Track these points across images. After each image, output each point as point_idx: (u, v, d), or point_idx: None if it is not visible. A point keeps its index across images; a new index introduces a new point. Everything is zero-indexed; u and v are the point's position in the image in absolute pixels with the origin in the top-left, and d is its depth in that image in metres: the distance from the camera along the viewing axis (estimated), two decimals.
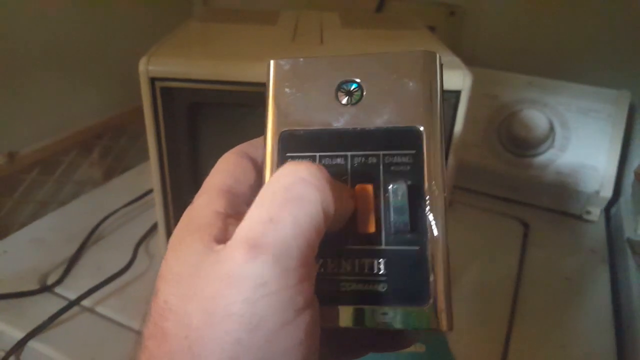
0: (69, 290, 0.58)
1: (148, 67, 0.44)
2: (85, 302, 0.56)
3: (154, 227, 0.68)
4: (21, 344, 0.51)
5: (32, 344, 0.51)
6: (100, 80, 0.94)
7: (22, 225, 0.74)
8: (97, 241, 0.67)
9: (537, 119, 0.82)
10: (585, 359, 0.54)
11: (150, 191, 0.74)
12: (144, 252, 0.65)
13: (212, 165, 0.25)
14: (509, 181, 0.84)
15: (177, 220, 0.49)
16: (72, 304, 0.55)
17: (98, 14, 0.92)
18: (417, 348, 0.53)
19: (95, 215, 0.70)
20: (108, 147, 0.97)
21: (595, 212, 0.81)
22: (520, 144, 0.83)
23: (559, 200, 0.83)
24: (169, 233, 0.51)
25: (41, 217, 0.72)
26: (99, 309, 0.56)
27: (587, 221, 0.81)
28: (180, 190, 0.49)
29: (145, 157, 0.88)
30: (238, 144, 0.25)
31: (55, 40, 0.84)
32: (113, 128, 0.98)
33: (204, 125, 0.48)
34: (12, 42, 0.77)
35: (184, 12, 1.09)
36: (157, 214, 0.50)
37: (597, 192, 0.79)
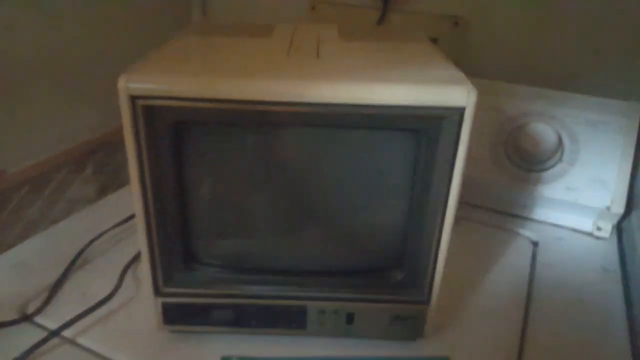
0: (50, 320, 0.54)
1: (128, 84, 0.41)
2: (67, 333, 0.53)
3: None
4: None
5: None
6: (95, 95, 0.91)
7: (10, 246, 0.71)
8: (83, 265, 0.64)
9: (544, 132, 0.78)
10: None
11: None
12: (131, 278, 0.61)
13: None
14: (517, 197, 0.81)
15: (161, 247, 0.46)
16: (51, 334, 0.51)
17: (92, 28, 0.90)
18: None
19: (85, 237, 0.67)
20: (102, 163, 0.95)
21: (607, 229, 0.78)
22: (527, 158, 0.79)
23: (568, 216, 0.79)
24: (153, 262, 0.48)
25: (26, 239, 0.69)
26: (81, 339, 0.53)
27: (598, 238, 0.78)
28: (165, 216, 0.46)
29: None
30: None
31: (48, 54, 0.81)
32: (108, 144, 0.95)
33: (190, 146, 0.45)
34: (3, 58, 0.74)
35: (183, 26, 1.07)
36: (140, 241, 0.46)
37: (608, 208, 0.75)
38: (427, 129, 0.43)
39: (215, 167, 0.46)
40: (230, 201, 0.49)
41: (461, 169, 0.44)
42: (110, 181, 0.95)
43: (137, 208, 0.45)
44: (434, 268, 0.49)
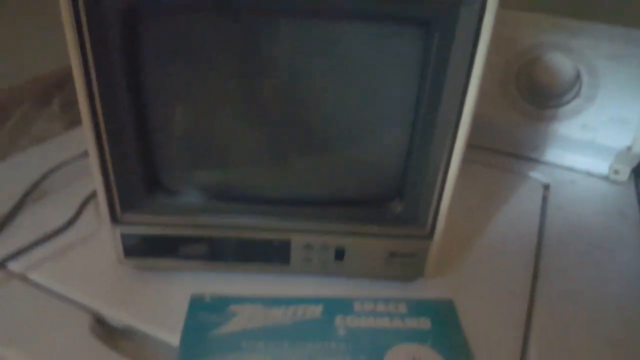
0: None
1: None
2: (15, 266, 0.46)
3: None
4: None
5: None
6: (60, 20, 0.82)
7: None
8: (40, 198, 0.56)
9: (561, 64, 0.71)
10: (617, 328, 0.45)
11: None
12: (92, 213, 0.54)
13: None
14: (527, 136, 0.74)
15: (118, 167, 0.38)
16: None
17: None
18: (421, 324, 0.44)
19: (44, 169, 0.59)
20: (70, 98, 0.86)
21: (625, 172, 0.71)
22: (541, 93, 0.72)
23: (582, 158, 0.73)
24: (107, 184, 0.40)
25: None
26: (32, 275, 0.46)
27: (614, 182, 0.71)
28: (118, 130, 0.38)
29: None
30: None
31: None
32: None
33: (146, 43, 0.37)
34: None
35: None
36: (90, 156, 0.39)
37: (629, 149, 0.69)
38: (441, 19, 0.35)
39: (180, 72, 0.38)
40: (199, 118, 0.41)
41: (478, 78, 0.37)
42: (80, 119, 0.87)
43: (84, 116, 0.37)
44: (440, 199, 0.42)
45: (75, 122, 0.86)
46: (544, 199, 0.67)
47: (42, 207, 0.55)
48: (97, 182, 0.40)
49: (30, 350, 0.39)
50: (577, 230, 0.60)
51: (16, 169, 0.62)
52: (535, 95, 0.73)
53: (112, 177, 0.40)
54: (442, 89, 0.38)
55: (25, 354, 0.39)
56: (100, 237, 0.51)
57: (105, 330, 0.43)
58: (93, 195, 0.55)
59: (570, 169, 0.74)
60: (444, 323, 0.45)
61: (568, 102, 0.72)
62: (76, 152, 0.63)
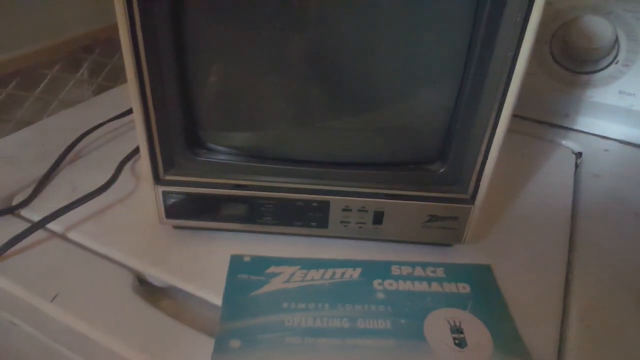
0: (37, 213, 0.48)
1: None
2: (56, 227, 0.46)
3: None
4: None
5: None
6: None
7: None
8: (76, 160, 0.56)
9: (599, 26, 0.68)
10: None
11: None
12: (129, 174, 0.54)
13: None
14: (560, 102, 0.72)
15: (161, 128, 0.38)
16: (35, 226, 0.45)
17: None
18: (460, 289, 0.44)
19: (76, 132, 0.59)
20: (99, 63, 0.86)
21: None
22: (576, 58, 0.70)
23: (617, 126, 0.71)
24: (151, 144, 0.40)
25: (13, 133, 0.62)
26: (72, 234, 0.46)
27: None
28: (162, 91, 0.38)
29: None
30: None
31: None
32: (104, 42, 0.86)
33: (192, 18, 0.36)
34: None
35: None
36: (136, 118, 0.38)
37: None
38: None
39: (221, 30, 0.37)
40: (239, 78, 0.40)
41: (532, 40, 0.36)
42: (108, 85, 0.87)
43: (130, 75, 0.37)
44: (484, 161, 0.41)
45: (104, 87, 0.86)
46: (577, 167, 0.65)
47: (77, 169, 0.55)
48: (140, 142, 0.40)
49: (74, 307, 0.40)
50: (614, 198, 0.58)
51: (48, 133, 0.62)
52: (569, 60, 0.71)
53: (155, 137, 0.40)
54: (492, 51, 0.37)
55: (70, 310, 0.39)
56: (139, 199, 0.51)
57: (148, 289, 0.43)
58: (129, 158, 0.55)
59: (603, 137, 0.72)
60: (483, 288, 0.44)
61: (604, 67, 0.70)
62: (108, 116, 0.62)
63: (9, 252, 0.43)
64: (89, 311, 0.39)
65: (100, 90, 0.85)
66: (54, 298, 0.40)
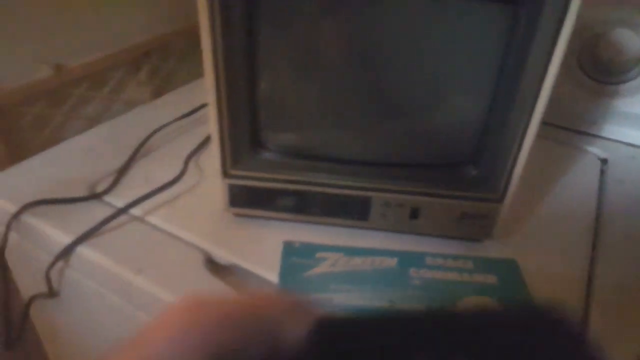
0: (118, 199, 0.56)
1: None
2: (135, 211, 0.54)
3: (204, 142, 0.65)
4: (69, 249, 0.49)
5: (81, 249, 0.50)
6: None
7: None
8: (147, 154, 0.64)
9: (628, 39, 0.72)
10: None
11: (201, 107, 0.71)
12: (194, 166, 0.62)
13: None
14: (588, 111, 0.76)
15: (231, 130, 0.44)
16: (121, 211, 0.53)
17: None
18: (487, 279, 0.49)
19: (145, 129, 0.67)
20: (156, 67, 0.94)
21: None
22: (605, 69, 0.73)
23: None
24: (222, 144, 0.47)
25: (92, 128, 0.70)
26: (149, 218, 0.54)
27: None
28: (235, 98, 0.44)
29: (193, 79, 0.85)
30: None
31: None
32: (160, 47, 0.94)
33: (262, 5, 0.42)
34: None
35: None
36: (210, 121, 0.45)
37: None
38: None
39: (287, 39, 0.44)
40: (302, 87, 0.47)
41: (562, 52, 0.40)
42: (164, 86, 0.95)
43: (209, 86, 0.43)
44: (514, 165, 0.47)
45: (161, 88, 0.94)
46: (602, 173, 0.69)
47: (148, 161, 0.63)
48: (214, 143, 0.47)
49: (156, 280, 0.47)
50: (638, 203, 0.62)
51: (120, 129, 0.70)
52: (597, 70, 0.75)
53: (226, 137, 0.47)
54: (525, 62, 0.41)
55: (153, 282, 0.47)
56: (203, 188, 0.58)
57: (214, 267, 0.50)
58: (193, 153, 0.63)
59: (630, 145, 0.75)
60: (509, 280, 0.48)
61: (633, 78, 0.73)
62: (169, 117, 0.70)
63: (99, 231, 0.51)
64: (168, 283, 0.46)
65: (156, 90, 0.93)
66: (138, 272, 0.47)
